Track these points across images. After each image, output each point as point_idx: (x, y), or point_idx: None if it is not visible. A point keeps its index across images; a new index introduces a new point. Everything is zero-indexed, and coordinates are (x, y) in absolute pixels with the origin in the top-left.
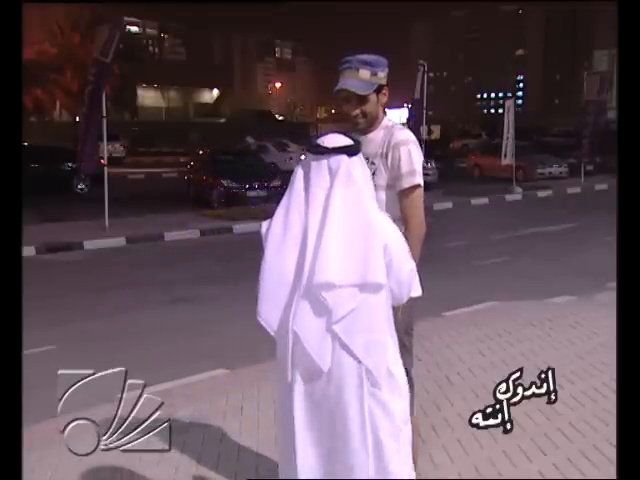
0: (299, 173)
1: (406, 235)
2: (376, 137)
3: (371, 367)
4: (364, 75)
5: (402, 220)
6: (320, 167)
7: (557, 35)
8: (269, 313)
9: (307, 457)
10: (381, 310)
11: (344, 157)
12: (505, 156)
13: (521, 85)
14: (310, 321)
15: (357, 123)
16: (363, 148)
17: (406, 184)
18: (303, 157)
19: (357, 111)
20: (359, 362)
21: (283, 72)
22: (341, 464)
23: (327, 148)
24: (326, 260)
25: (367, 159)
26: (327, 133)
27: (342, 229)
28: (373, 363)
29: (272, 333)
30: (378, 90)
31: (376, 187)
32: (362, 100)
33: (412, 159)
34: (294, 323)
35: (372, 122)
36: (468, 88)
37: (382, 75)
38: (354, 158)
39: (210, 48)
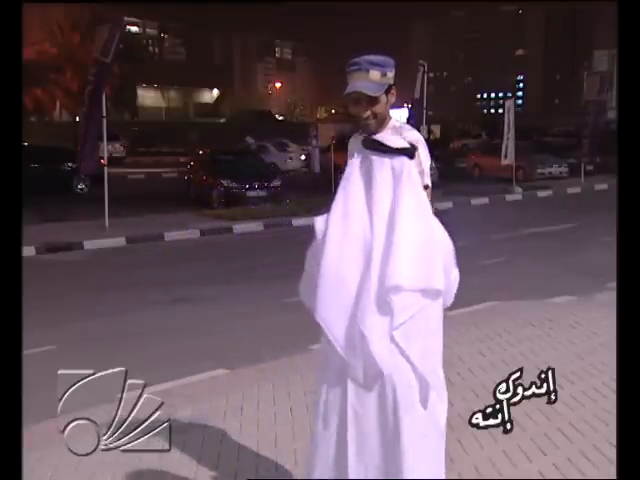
0: (355, 167)
1: None
2: (383, 138)
3: (425, 373)
4: (374, 76)
5: None
6: (383, 165)
7: (557, 35)
8: (328, 312)
9: (360, 457)
10: (437, 316)
11: (406, 159)
12: (506, 156)
13: (521, 85)
14: (377, 324)
15: (368, 125)
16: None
17: None
18: (359, 152)
19: (368, 112)
20: (414, 367)
21: (283, 72)
22: (386, 466)
23: (391, 147)
24: (399, 264)
25: None
26: (376, 132)
27: (412, 233)
28: (427, 369)
29: (328, 333)
30: (387, 90)
31: None
32: (373, 101)
33: (421, 160)
34: (362, 324)
35: (382, 123)
36: (468, 88)
37: (390, 75)
38: (412, 161)
39: (210, 48)
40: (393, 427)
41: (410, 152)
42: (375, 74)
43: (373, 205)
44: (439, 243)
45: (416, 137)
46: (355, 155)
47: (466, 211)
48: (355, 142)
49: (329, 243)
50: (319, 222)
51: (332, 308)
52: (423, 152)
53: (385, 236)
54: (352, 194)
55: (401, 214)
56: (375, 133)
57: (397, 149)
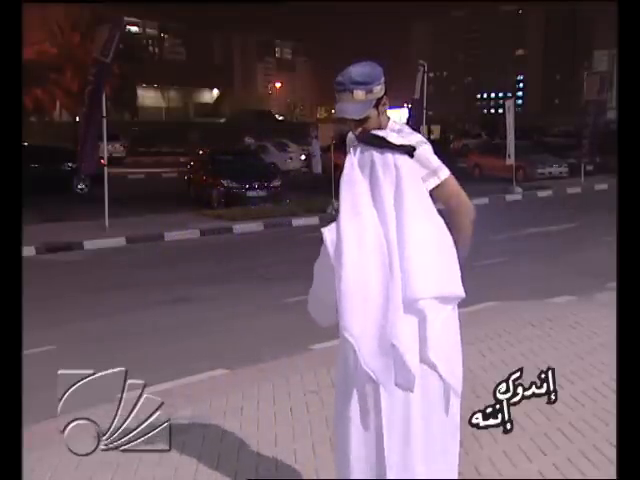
0: (354, 165)
1: (462, 223)
2: (386, 134)
3: (452, 382)
4: (359, 96)
5: (450, 210)
6: (386, 163)
7: (557, 35)
8: (355, 326)
9: (393, 459)
10: (455, 320)
11: (407, 157)
12: (509, 156)
13: (521, 85)
14: (405, 333)
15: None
16: None
17: (443, 175)
18: (352, 150)
19: (359, 130)
20: (439, 372)
21: (283, 72)
22: (418, 466)
23: (394, 144)
24: (418, 274)
25: None
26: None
27: (421, 237)
28: (453, 378)
29: (355, 347)
30: (377, 103)
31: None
32: (362, 121)
33: (430, 160)
34: (391, 335)
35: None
36: (468, 88)
37: (378, 89)
38: (412, 160)
39: (210, 48)
40: (424, 430)
41: (411, 151)
42: (359, 94)
43: (381, 206)
44: (452, 246)
45: (420, 138)
46: (351, 151)
47: None
48: (351, 142)
49: (346, 252)
50: (329, 232)
51: (359, 321)
52: (430, 151)
53: (400, 243)
54: (358, 195)
55: (408, 216)
56: None
57: (399, 146)
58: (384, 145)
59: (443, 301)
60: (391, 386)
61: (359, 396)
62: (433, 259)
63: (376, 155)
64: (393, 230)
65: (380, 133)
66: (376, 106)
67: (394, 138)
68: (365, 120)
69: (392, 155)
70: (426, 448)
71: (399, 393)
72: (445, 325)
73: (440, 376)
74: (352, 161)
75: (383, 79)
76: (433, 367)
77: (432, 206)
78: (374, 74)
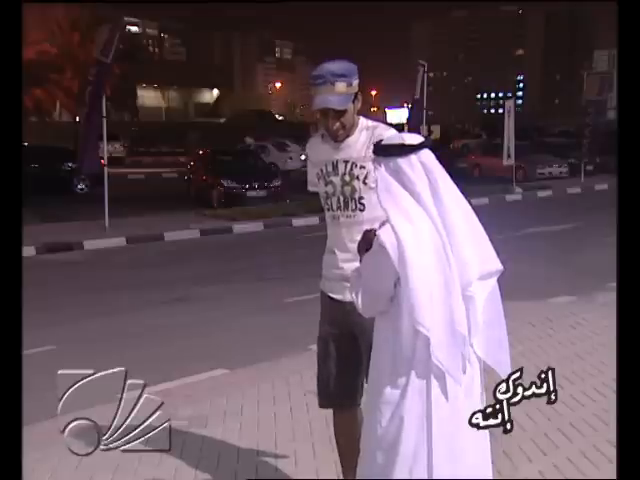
0: (386, 175)
1: None
2: (358, 140)
3: (497, 368)
4: (341, 89)
5: None
6: (412, 163)
7: (557, 35)
8: (427, 320)
9: (440, 457)
10: (500, 301)
11: (427, 150)
12: (509, 156)
13: (521, 85)
14: (465, 322)
15: (337, 135)
16: (344, 154)
17: None
18: (377, 164)
19: (337, 124)
20: (480, 361)
21: (283, 72)
22: (477, 464)
23: (414, 145)
24: (464, 259)
25: (353, 164)
26: (345, 139)
27: (461, 221)
28: (497, 363)
29: (431, 340)
30: (353, 99)
31: (371, 189)
32: (341, 113)
33: None
34: (458, 324)
35: (350, 129)
36: (468, 88)
37: (355, 83)
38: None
39: (210, 48)
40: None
41: (429, 144)
42: (341, 86)
43: (421, 202)
44: (477, 221)
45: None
46: (377, 166)
47: None
48: (315, 146)
49: (408, 252)
50: (386, 235)
51: (428, 315)
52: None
53: (445, 230)
54: (399, 198)
55: (445, 205)
56: (345, 140)
57: (419, 144)
58: (405, 151)
59: (485, 278)
60: (459, 375)
61: (416, 388)
62: (470, 241)
63: (400, 160)
64: (438, 221)
65: (394, 141)
66: (353, 101)
67: (410, 139)
68: (343, 113)
69: (416, 155)
70: (474, 439)
71: (463, 383)
72: (488, 307)
73: (480, 366)
74: (381, 172)
75: (357, 75)
76: (476, 355)
77: (457, 189)
78: (351, 69)
